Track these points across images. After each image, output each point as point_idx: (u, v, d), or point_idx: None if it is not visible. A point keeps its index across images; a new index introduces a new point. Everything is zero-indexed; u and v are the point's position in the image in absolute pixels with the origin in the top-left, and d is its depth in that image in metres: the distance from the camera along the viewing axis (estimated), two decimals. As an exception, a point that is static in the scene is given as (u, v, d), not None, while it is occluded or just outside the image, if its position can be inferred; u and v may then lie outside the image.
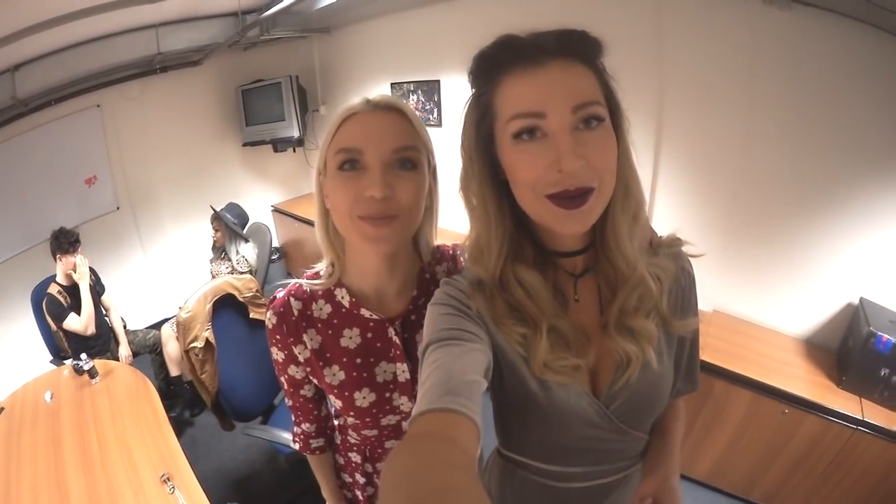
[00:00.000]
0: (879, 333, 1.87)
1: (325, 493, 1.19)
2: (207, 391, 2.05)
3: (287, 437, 1.90)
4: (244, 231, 3.46)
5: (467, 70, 0.69)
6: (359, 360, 0.93)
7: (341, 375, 0.93)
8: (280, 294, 0.93)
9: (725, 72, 2.21)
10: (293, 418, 1.10)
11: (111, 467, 1.79)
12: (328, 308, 0.92)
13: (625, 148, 0.67)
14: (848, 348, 2.08)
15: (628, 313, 0.72)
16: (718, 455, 2.27)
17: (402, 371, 0.93)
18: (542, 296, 0.72)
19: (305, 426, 1.09)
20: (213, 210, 3.32)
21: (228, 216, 3.31)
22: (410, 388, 0.94)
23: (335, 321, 0.92)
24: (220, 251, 3.36)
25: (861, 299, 2.11)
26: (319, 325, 0.92)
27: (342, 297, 0.92)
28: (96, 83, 3.56)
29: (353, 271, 0.91)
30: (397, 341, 0.92)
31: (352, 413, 0.95)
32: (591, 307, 0.77)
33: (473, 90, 0.70)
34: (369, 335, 0.92)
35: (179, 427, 2.98)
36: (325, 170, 0.83)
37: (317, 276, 0.94)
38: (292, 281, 0.95)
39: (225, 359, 2.10)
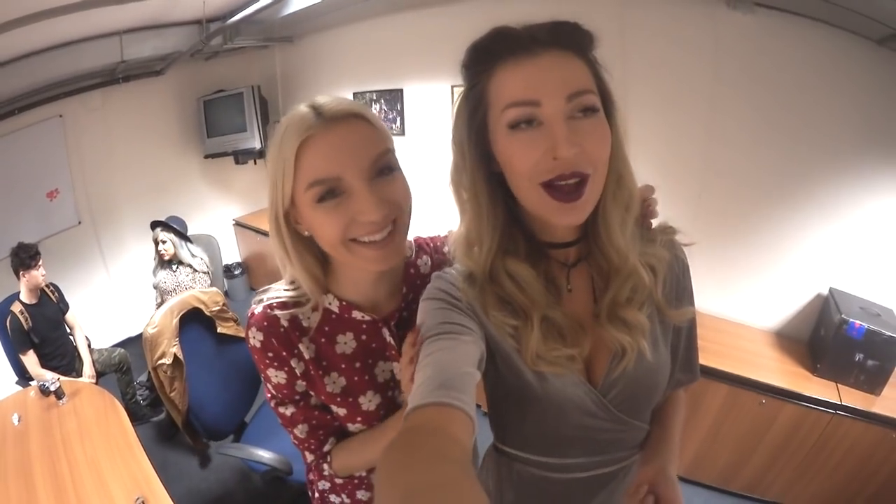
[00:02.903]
0: (852, 320, 1.90)
1: (379, 437, 0.90)
2: (177, 410, 1.97)
3: (263, 454, 1.82)
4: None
5: (460, 63, 0.68)
6: (357, 364, 0.87)
7: (342, 382, 0.87)
8: (258, 309, 0.83)
9: (689, 75, 2.22)
10: (311, 446, 0.91)
11: (84, 492, 1.71)
12: (316, 316, 0.84)
13: (617, 138, 0.66)
14: (820, 337, 2.12)
15: (620, 305, 0.71)
16: (696, 449, 2.27)
17: (398, 369, 0.88)
18: (534, 287, 0.71)
19: (332, 441, 0.92)
20: (159, 223, 3.17)
21: (175, 226, 3.20)
22: None
23: (326, 328, 0.86)
24: (167, 264, 3.17)
25: (830, 289, 2.15)
26: (311, 334, 0.85)
27: (330, 303, 0.85)
28: (59, 92, 3.43)
29: (340, 282, 0.85)
30: (392, 342, 0.88)
31: (359, 419, 0.89)
32: (584, 297, 0.76)
33: (466, 83, 0.68)
34: (364, 337, 0.87)
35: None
36: (293, 207, 0.74)
37: (284, 306, 0.84)
38: (266, 299, 0.85)
39: (194, 375, 2.01)
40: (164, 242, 3.11)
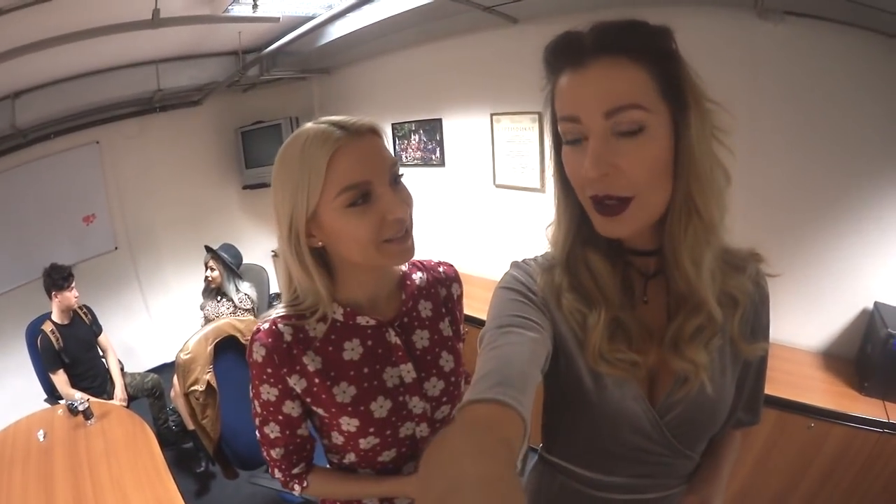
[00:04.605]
0: (898, 334, 1.71)
1: (375, 490, 0.93)
2: (209, 437, 1.83)
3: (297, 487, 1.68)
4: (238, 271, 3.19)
5: None
6: (366, 370, 0.85)
7: (352, 391, 0.84)
8: (263, 326, 0.82)
9: (724, 89, 2.08)
10: (282, 466, 0.92)
11: (106, 513, 1.61)
12: (322, 326, 0.84)
13: (688, 153, 0.58)
14: (867, 354, 1.92)
15: (684, 339, 0.64)
16: (745, 478, 2.05)
17: (407, 372, 0.88)
18: (609, 283, 0.67)
19: (302, 466, 0.93)
20: (210, 249, 3.05)
21: (225, 255, 3.05)
22: (419, 388, 0.88)
23: (333, 337, 0.84)
24: (214, 292, 3.05)
25: (876, 303, 1.96)
26: (317, 345, 0.83)
27: (335, 312, 0.84)
28: (96, 119, 3.39)
29: (345, 287, 0.85)
30: (398, 342, 0.87)
31: (371, 430, 0.85)
32: (659, 311, 0.69)
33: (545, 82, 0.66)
34: (370, 343, 0.86)
35: (204, 482, 2.67)
36: (317, 214, 0.76)
37: (288, 319, 0.83)
38: (274, 313, 0.85)
39: (227, 403, 1.88)
40: (212, 270, 2.99)
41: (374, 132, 0.78)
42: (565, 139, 0.60)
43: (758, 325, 0.72)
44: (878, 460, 1.78)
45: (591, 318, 0.65)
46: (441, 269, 1.00)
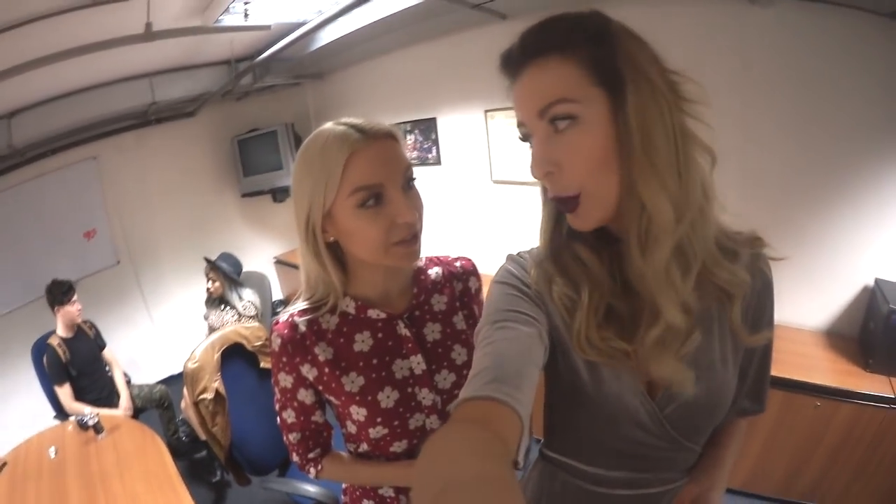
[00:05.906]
0: (900, 309, 1.70)
1: (383, 476, 0.94)
2: (220, 445, 1.80)
3: (309, 488, 1.65)
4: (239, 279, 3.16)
5: None
6: (375, 361, 0.87)
7: (360, 381, 0.86)
8: (282, 318, 0.87)
9: (716, 74, 2.05)
10: (299, 450, 0.95)
11: (122, 526, 1.59)
12: (335, 319, 0.87)
13: (627, 136, 0.53)
14: (870, 331, 1.92)
15: (653, 356, 0.60)
16: (754, 460, 2.05)
17: (417, 364, 0.89)
18: (598, 271, 0.64)
19: (318, 451, 0.97)
20: (208, 260, 3.02)
21: (224, 265, 3.02)
22: (429, 380, 0.89)
23: (345, 329, 0.87)
24: (217, 302, 3.01)
25: (876, 280, 1.95)
26: (330, 336, 0.87)
27: (347, 306, 0.88)
28: (92, 134, 3.37)
29: (358, 282, 0.88)
30: (408, 334, 0.89)
31: (379, 420, 0.86)
32: None
33: None
34: (380, 335, 0.88)
35: (220, 491, 2.65)
36: (331, 211, 0.78)
37: (304, 313, 0.87)
38: (292, 308, 0.89)
39: (236, 410, 1.86)
40: (213, 281, 2.95)
41: (390, 136, 0.79)
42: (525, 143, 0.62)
43: (760, 314, 0.68)
44: (887, 436, 1.78)
45: (578, 303, 0.64)
46: (458, 264, 1.01)
